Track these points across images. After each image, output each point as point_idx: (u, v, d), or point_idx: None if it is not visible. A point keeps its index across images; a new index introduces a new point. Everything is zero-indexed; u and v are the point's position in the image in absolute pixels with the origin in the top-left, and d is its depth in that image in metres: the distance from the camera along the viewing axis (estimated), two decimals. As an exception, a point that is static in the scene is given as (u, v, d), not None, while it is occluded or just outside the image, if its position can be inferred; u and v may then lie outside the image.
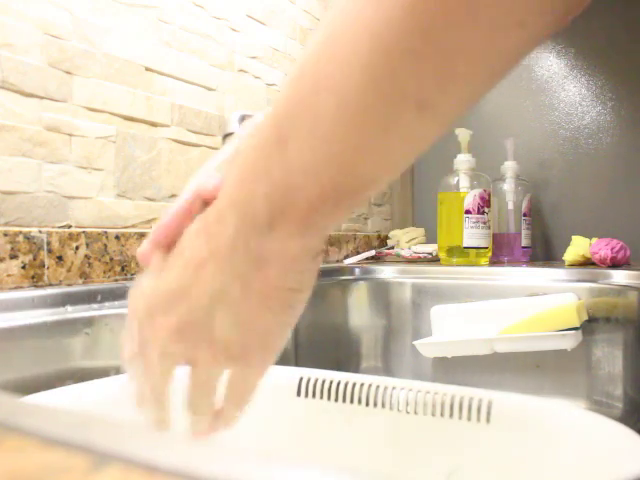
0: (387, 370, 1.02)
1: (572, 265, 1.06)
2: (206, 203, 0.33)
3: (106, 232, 0.78)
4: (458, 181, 1.15)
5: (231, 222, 0.29)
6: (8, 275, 0.66)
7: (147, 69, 0.86)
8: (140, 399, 0.38)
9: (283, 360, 0.99)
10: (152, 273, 0.34)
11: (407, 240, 1.33)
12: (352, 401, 0.58)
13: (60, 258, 0.71)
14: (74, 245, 0.73)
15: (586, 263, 1.06)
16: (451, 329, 0.92)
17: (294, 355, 0.93)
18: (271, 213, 0.28)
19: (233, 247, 0.30)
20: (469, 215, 1.13)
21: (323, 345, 0.98)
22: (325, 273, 1.05)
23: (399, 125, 0.24)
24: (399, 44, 0.22)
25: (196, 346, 0.33)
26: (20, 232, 0.67)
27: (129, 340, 0.36)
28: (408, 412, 0.56)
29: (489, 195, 1.15)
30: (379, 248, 1.33)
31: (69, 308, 0.68)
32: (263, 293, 0.31)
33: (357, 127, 0.24)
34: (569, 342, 0.81)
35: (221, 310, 0.31)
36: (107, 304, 0.72)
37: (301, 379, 0.61)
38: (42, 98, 0.71)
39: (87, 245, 0.75)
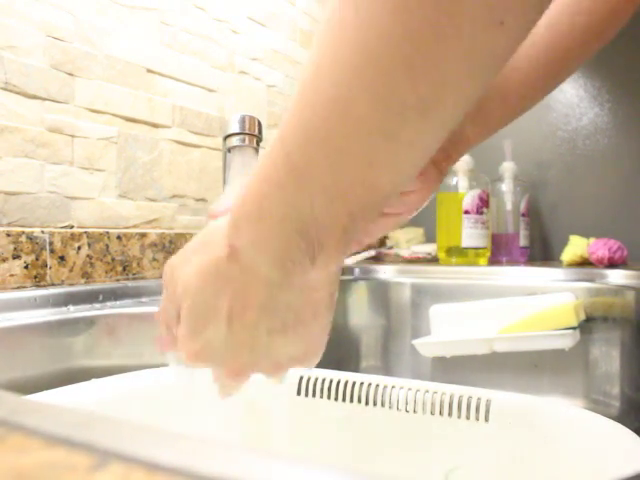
0: (386, 369, 1.03)
1: (570, 265, 1.07)
2: None
3: (108, 232, 0.78)
4: (457, 182, 1.16)
5: (265, 273, 0.30)
6: (11, 275, 0.67)
7: (148, 71, 0.86)
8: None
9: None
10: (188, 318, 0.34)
11: (406, 240, 1.34)
12: (352, 400, 0.59)
13: (62, 258, 0.72)
14: (76, 245, 0.74)
15: (584, 263, 1.06)
16: (450, 329, 0.92)
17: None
18: (313, 252, 0.29)
19: (273, 297, 0.31)
20: (468, 215, 1.13)
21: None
22: (325, 273, 1.05)
23: (404, 133, 0.24)
24: (392, 56, 0.22)
25: (251, 363, 0.35)
26: (23, 232, 0.68)
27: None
28: (407, 411, 0.56)
29: (487, 196, 1.16)
30: (378, 248, 1.33)
31: (71, 308, 0.68)
32: (312, 311, 0.33)
33: (367, 141, 0.25)
34: (567, 341, 0.82)
35: (276, 337, 0.33)
36: (109, 304, 0.72)
37: (301, 378, 0.61)
38: (44, 99, 0.72)
39: (89, 245, 0.75)
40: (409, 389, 0.57)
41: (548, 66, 0.44)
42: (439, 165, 0.44)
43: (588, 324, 0.87)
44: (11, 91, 0.68)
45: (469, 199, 1.13)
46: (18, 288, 0.67)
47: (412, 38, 0.22)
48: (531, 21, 0.23)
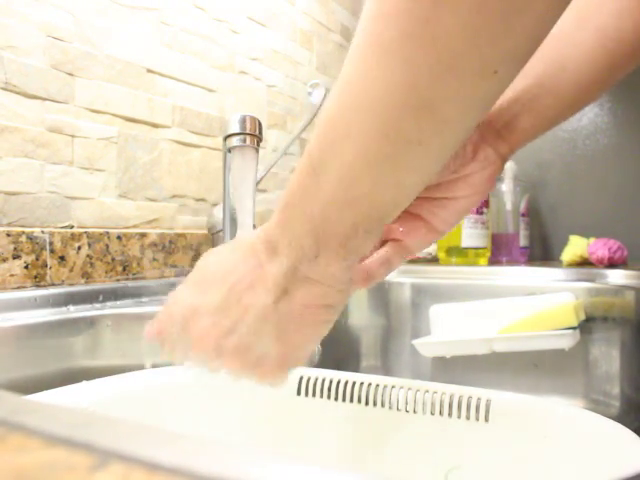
0: (386, 369, 1.03)
1: (570, 265, 1.07)
2: None
3: (108, 232, 0.78)
4: (457, 181, 1.16)
5: (283, 255, 0.35)
6: (11, 275, 0.67)
7: (148, 71, 0.86)
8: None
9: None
10: (191, 288, 0.38)
11: (407, 240, 1.34)
12: (352, 400, 0.59)
13: (62, 258, 0.72)
14: (76, 245, 0.74)
15: (584, 263, 1.07)
16: (450, 329, 0.93)
17: (294, 354, 0.93)
18: (317, 246, 0.33)
19: (284, 274, 0.35)
20: (468, 215, 1.13)
21: (323, 344, 0.98)
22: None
23: (406, 162, 0.29)
24: (400, 101, 0.27)
25: (233, 357, 0.37)
26: (23, 232, 0.68)
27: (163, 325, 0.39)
28: (407, 411, 0.56)
29: (487, 196, 1.16)
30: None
31: (71, 308, 0.68)
32: (306, 310, 0.36)
33: (374, 167, 0.29)
34: (567, 341, 0.82)
35: (266, 326, 0.36)
36: (109, 304, 0.72)
37: (301, 378, 0.61)
38: (45, 99, 0.72)
39: (89, 245, 0.75)
40: (409, 389, 0.57)
41: (596, 74, 0.44)
42: (497, 149, 0.44)
43: (588, 324, 0.87)
44: (11, 91, 0.69)
45: (469, 199, 1.13)
46: (18, 288, 0.67)
47: (415, 84, 0.26)
48: (520, 68, 0.27)
